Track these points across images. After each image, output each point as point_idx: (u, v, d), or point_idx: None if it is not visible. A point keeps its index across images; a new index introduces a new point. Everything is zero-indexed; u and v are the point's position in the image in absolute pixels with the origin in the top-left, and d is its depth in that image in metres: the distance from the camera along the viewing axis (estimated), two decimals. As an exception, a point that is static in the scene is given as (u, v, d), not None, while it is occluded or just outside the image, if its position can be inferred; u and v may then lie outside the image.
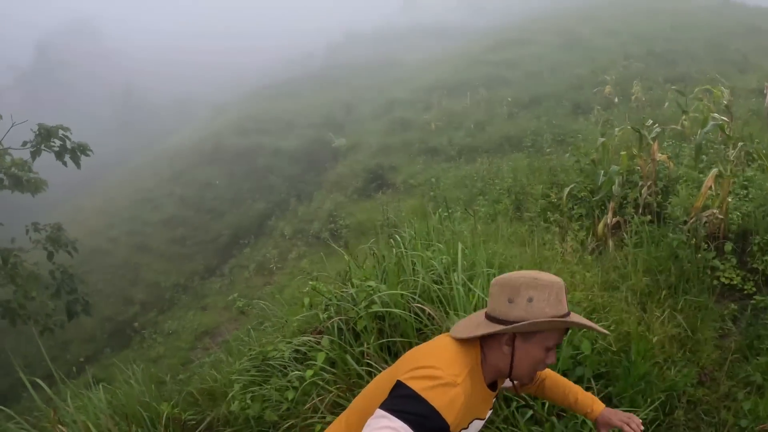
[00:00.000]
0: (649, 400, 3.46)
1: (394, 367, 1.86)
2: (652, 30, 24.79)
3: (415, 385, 1.57)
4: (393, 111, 23.98)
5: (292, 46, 58.24)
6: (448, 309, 3.20)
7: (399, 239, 4.00)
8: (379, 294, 3.18)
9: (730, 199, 5.19)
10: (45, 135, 10.27)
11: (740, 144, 6.13)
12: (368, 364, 2.87)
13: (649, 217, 5.65)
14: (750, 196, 5.70)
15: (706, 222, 5.12)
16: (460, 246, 3.48)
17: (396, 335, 3.15)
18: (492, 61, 26.61)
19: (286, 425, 3.15)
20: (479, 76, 24.31)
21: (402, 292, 3.20)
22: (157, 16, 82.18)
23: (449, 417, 1.55)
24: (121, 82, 55.09)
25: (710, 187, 5.08)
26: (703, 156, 6.58)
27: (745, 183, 5.94)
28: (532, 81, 21.78)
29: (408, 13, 67.06)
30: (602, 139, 6.39)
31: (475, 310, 3.13)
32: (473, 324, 1.87)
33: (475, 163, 14.36)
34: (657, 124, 6.25)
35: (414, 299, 3.18)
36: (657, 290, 4.71)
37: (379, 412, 1.53)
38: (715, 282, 4.98)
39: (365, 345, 2.95)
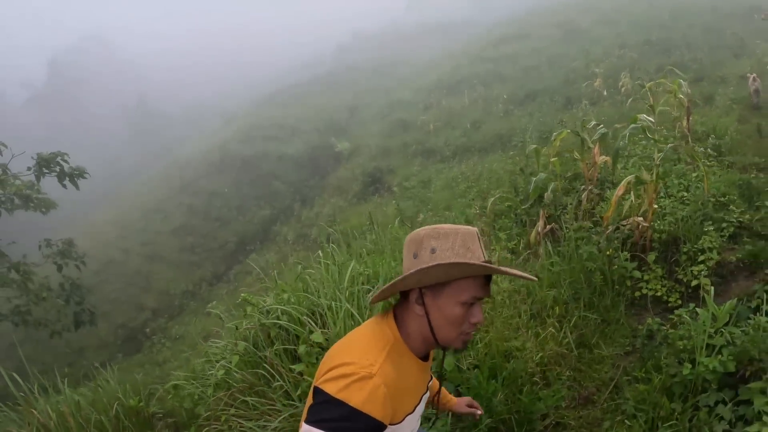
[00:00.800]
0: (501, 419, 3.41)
1: (318, 370, 1.71)
2: (651, 18, 24.64)
3: (330, 388, 1.49)
4: (394, 112, 24.28)
5: (301, 50, 58.74)
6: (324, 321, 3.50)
7: (335, 249, 4.40)
8: (267, 306, 3.62)
9: (656, 206, 5.11)
10: (44, 163, 11.10)
11: (668, 146, 5.63)
12: (272, 366, 3.27)
13: (585, 223, 5.44)
14: (687, 199, 5.55)
15: (629, 230, 5.04)
16: (353, 262, 3.84)
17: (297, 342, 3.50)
18: (491, 58, 26.73)
19: (206, 416, 3.68)
20: (478, 74, 24.48)
21: (281, 306, 3.58)
22: (167, 24, 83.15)
23: (374, 412, 1.47)
24: (133, 93, 55.87)
25: (623, 195, 4.98)
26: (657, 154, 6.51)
27: (682, 184, 5.85)
28: (530, 76, 21.82)
29: (413, 11, 67.20)
30: (533, 146, 6.36)
31: (344, 325, 3.42)
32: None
33: (467, 163, 14.61)
34: (601, 125, 6.04)
35: (295, 311, 3.53)
36: (559, 304, 4.58)
37: (304, 427, 1.46)
38: (638, 294, 4.76)
39: (269, 350, 3.35)
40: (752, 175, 6.17)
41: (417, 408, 1.77)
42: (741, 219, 5.17)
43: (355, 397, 1.45)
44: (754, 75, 10.23)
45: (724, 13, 23.15)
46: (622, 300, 4.70)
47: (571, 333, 4.26)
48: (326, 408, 1.46)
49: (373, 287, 3.71)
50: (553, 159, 6.16)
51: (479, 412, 2.40)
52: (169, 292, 19.57)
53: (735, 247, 4.97)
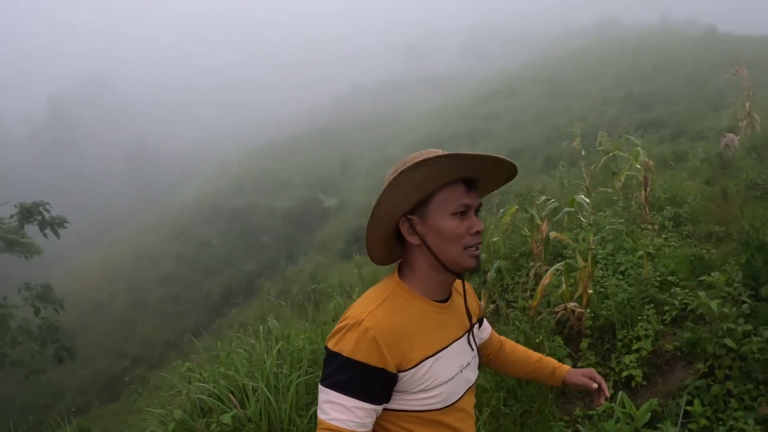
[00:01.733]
0: None
1: None
2: (635, 72, 25.14)
3: (330, 344, 1.48)
4: (383, 169, 24.84)
5: (300, 100, 59.85)
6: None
7: (275, 325, 4.76)
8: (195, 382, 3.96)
9: (591, 290, 4.89)
10: (26, 212, 11.57)
11: (619, 221, 5.59)
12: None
13: (514, 311, 5.28)
14: (628, 281, 5.26)
15: (562, 316, 4.93)
16: (279, 343, 4.15)
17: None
18: (480, 114, 27.40)
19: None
20: (466, 130, 25.11)
21: (201, 384, 3.89)
22: (170, 70, 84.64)
23: (367, 358, 1.43)
24: (131, 137, 56.80)
25: (545, 284, 4.81)
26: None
27: (630, 262, 5.62)
28: (515, 133, 22.26)
29: (411, 64, 68.86)
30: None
31: (264, 407, 3.62)
32: None
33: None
34: (552, 199, 5.82)
35: (215, 387, 3.81)
36: (478, 392, 4.10)
37: (319, 388, 1.47)
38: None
39: (198, 422, 3.66)
40: (704, 250, 5.74)
41: (443, 352, 1.59)
42: (686, 301, 4.77)
43: (346, 347, 1.43)
44: (725, 133, 10.08)
45: (707, 65, 23.62)
46: (551, 389, 4.30)
47: (485, 425, 3.93)
48: (327, 364, 1.47)
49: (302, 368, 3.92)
50: (495, 239, 6.22)
51: (603, 388, 1.98)
52: (151, 341, 19.72)
53: (676, 332, 4.62)
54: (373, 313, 1.49)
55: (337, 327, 1.50)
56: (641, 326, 4.51)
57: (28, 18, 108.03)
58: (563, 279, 5.00)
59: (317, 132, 39.89)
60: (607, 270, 5.76)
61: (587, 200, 5.43)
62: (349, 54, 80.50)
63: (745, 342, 3.64)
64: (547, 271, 5.33)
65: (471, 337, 1.71)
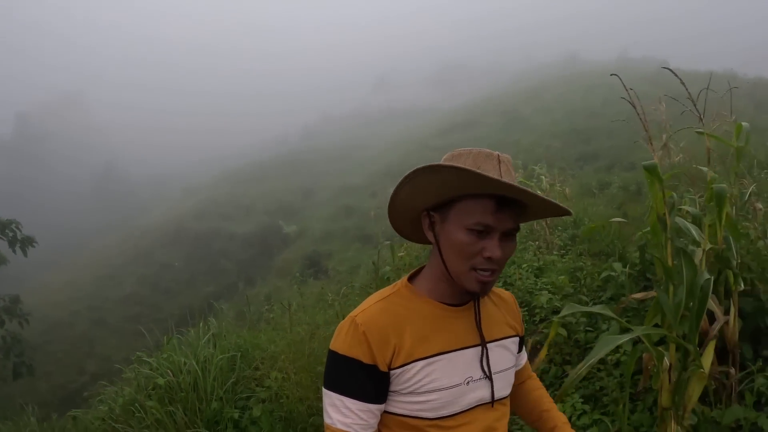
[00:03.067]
0: None
1: None
2: (584, 107, 26.27)
3: (330, 345, 1.46)
4: (343, 197, 25.86)
5: (269, 129, 60.68)
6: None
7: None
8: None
9: None
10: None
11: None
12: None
13: None
14: (510, 289, 5.60)
15: None
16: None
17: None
18: (437, 146, 28.45)
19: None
20: (422, 161, 26.23)
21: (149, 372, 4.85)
22: (141, 94, 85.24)
23: (358, 354, 1.39)
24: (101, 157, 57.09)
25: None
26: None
27: (509, 278, 6.16)
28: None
29: (380, 96, 70.08)
30: (387, 242, 7.38)
31: None
32: None
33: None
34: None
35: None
36: None
37: (322, 391, 1.46)
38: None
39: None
40: (588, 264, 6.26)
41: (444, 356, 1.47)
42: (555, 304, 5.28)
43: (340, 343, 1.40)
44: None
45: (652, 100, 24.99)
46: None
47: None
48: (327, 363, 1.45)
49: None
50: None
51: None
52: (110, 358, 20.31)
53: (543, 330, 5.02)
54: (366, 310, 1.45)
55: (337, 327, 1.46)
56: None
57: None
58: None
59: (284, 160, 40.79)
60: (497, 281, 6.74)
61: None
62: (320, 86, 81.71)
63: (580, 331, 4.31)
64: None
65: (483, 355, 1.53)
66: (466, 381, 1.48)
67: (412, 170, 1.36)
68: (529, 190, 1.33)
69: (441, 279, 1.48)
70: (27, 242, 12.67)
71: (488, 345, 1.54)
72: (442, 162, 1.40)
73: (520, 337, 1.69)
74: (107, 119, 71.56)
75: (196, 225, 28.20)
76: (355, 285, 8.54)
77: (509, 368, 1.60)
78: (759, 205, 4.63)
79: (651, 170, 2.63)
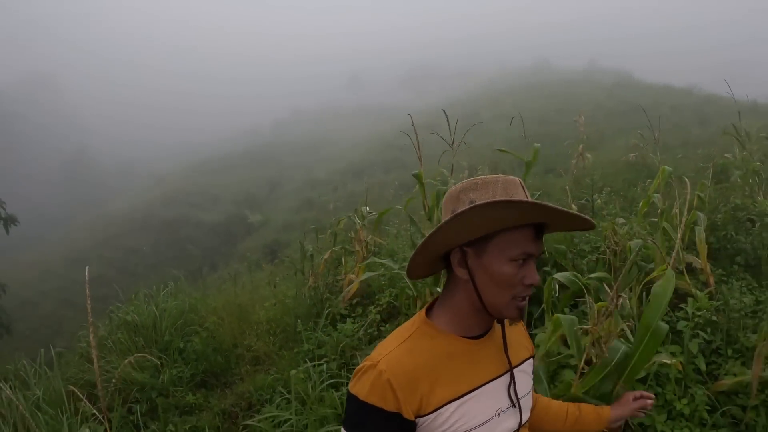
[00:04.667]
0: None
1: None
2: (541, 113, 27.15)
3: (350, 386, 1.42)
4: (306, 191, 27.01)
5: (241, 120, 61.18)
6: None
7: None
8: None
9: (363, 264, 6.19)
10: None
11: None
12: None
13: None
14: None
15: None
16: None
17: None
18: (398, 145, 29.47)
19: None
20: (384, 159, 27.27)
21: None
22: (115, 80, 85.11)
23: (380, 402, 1.34)
24: (71, 142, 57.33)
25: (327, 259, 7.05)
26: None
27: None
28: (429, 165, 24.50)
29: (352, 92, 71.01)
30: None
31: None
32: None
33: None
34: (373, 212, 7.67)
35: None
36: None
37: (341, 430, 1.41)
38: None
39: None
40: None
41: (475, 392, 1.46)
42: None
43: (362, 390, 1.37)
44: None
45: (606, 111, 26.27)
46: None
47: None
48: (347, 407, 1.41)
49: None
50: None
51: (649, 401, 1.98)
52: (77, 335, 21.33)
53: None
54: (389, 355, 1.41)
55: (357, 368, 1.43)
56: (389, 291, 6.05)
57: None
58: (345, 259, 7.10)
59: (253, 152, 41.69)
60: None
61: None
62: (292, 80, 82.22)
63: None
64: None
65: (512, 383, 1.54)
66: (497, 413, 1.48)
67: (468, 207, 1.32)
68: (581, 214, 1.39)
69: (468, 313, 1.48)
70: (11, 220, 13.70)
71: (514, 371, 1.55)
72: (460, 190, 1.44)
73: (533, 357, 1.71)
74: (78, 105, 71.43)
75: (165, 212, 29.21)
76: (285, 259, 10.33)
77: (530, 391, 1.62)
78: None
79: (417, 176, 4.08)
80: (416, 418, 1.38)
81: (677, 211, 5.07)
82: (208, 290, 8.37)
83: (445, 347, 1.47)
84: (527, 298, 1.46)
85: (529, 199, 1.37)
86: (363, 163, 28.42)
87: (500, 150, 5.07)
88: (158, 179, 41.05)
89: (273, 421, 3.93)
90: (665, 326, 2.72)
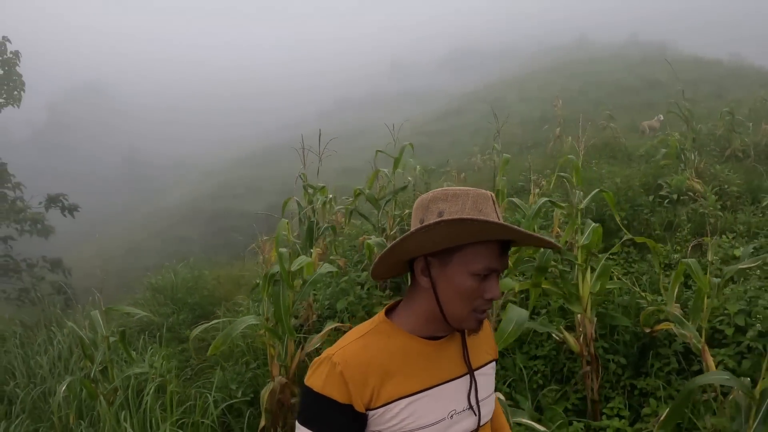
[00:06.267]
0: None
1: None
2: (561, 93, 26.36)
3: (306, 380, 1.44)
4: (341, 179, 28.33)
5: (287, 113, 62.30)
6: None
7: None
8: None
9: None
10: (52, 200, 16.95)
11: None
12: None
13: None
14: None
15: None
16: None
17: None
18: (428, 131, 30.94)
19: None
20: (414, 144, 28.40)
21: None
22: (163, 77, 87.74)
23: (334, 394, 1.36)
24: (126, 141, 60.31)
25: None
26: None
27: None
28: (454, 149, 25.33)
29: (394, 78, 71.47)
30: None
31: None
32: None
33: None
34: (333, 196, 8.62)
35: None
36: None
37: (296, 424, 1.41)
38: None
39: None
40: None
41: (427, 392, 1.46)
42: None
43: (316, 382, 1.39)
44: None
45: (623, 88, 26.98)
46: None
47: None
48: (302, 399, 1.44)
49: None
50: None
51: None
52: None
53: None
54: (344, 348, 1.44)
55: (313, 361, 1.45)
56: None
57: (25, 22, 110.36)
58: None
59: (297, 144, 43.05)
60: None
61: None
62: (337, 70, 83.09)
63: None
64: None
65: (472, 388, 1.53)
66: (450, 415, 1.47)
67: (434, 221, 1.32)
68: (547, 238, 1.42)
69: (429, 320, 1.49)
70: (73, 208, 17.25)
71: (475, 374, 1.54)
72: (430, 199, 1.43)
73: (496, 361, 1.70)
74: (131, 105, 74.40)
75: (211, 205, 31.32)
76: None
77: (491, 394, 1.62)
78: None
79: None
80: (367, 410, 1.39)
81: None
82: (233, 268, 10.03)
83: (402, 345, 1.47)
84: (487, 310, 1.48)
85: (496, 221, 1.37)
86: (392, 150, 29.25)
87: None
88: (206, 174, 43.28)
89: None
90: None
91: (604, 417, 3.92)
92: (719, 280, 3.68)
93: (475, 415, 1.52)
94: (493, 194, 1.45)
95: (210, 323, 4.41)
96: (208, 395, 4.41)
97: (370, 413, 1.39)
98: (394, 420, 1.40)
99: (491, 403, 1.62)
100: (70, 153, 61.36)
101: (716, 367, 3.78)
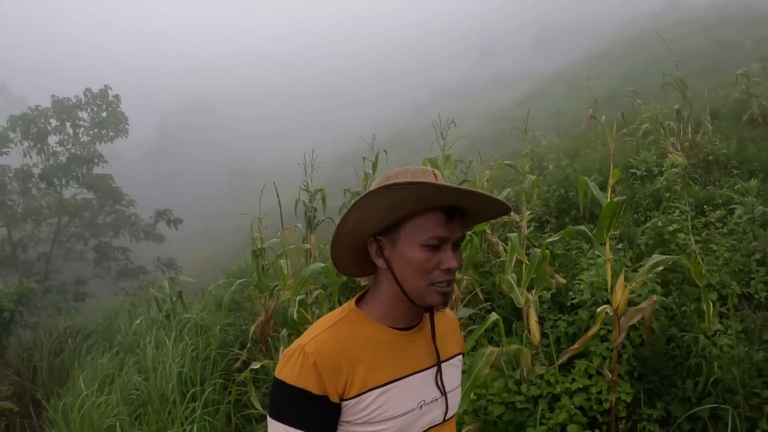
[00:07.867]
0: None
1: None
2: (633, 70, 26.47)
3: (277, 373, 1.43)
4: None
5: (383, 109, 62.32)
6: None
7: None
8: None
9: None
10: (160, 213, 20.29)
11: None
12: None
13: None
14: None
15: None
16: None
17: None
18: (507, 118, 29.28)
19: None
20: (491, 134, 27.92)
21: None
22: (263, 82, 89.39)
23: (308, 385, 1.37)
24: (229, 153, 63.32)
25: None
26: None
27: None
28: (528, 135, 24.54)
29: (483, 65, 70.00)
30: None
31: None
32: None
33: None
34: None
35: None
36: None
37: (267, 420, 1.41)
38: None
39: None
40: None
41: (398, 383, 1.48)
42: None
43: (290, 374, 1.39)
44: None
45: (695, 52, 24.38)
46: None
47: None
48: (272, 391, 1.43)
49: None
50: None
51: None
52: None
53: None
54: (316, 338, 1.44)
55: (284, 352, 1.45)
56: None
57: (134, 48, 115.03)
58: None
59: (391, 139, 43.14)
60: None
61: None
62: (428, 62, 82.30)
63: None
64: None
65: (438, 374, 1.55)
66: (419, 405, 1.49)
67: (363, 194, 1.36)
68: (480, 191, 1.38)
69: (395, 302, 1.50)
70: (177, 222, 20.56)
71: (442, 363, 1.56)
72: (376, 183, 1.43)
73: (462, 355, 1.73)
74: (233, 120, 77.14)
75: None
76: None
77: (458, 387, 1.64)
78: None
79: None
80: (341, 400, 1.40)
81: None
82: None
83: (371, 335, 1.48)
84: (451, 283, 1.46)
85: (420, 180, 1.35)
86: (474, 139, 29.04)
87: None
88: (304, 179, 44.17)
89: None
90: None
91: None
92: (538, 251, 4.27)
93: (444, 405, 1.56)
94: (438, 172, 1.47)
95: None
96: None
97: (344, 403, 1.42)
98: (367, 410, 1.42)
99: (458, 396, 1.64)
100: (179, 165, 64.91)
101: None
